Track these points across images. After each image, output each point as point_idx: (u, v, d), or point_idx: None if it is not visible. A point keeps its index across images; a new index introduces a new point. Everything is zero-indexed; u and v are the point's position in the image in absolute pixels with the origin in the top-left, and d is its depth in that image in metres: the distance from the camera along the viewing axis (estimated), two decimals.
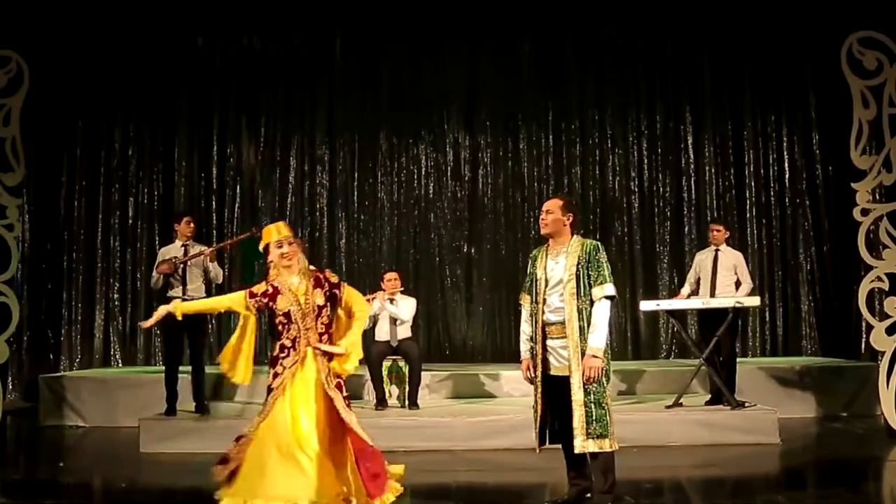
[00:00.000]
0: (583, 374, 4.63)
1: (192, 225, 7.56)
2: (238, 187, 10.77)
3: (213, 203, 10.73)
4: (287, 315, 4.57)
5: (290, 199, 10.77)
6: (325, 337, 4.61)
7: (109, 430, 8.14)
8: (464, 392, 8.56)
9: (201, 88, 10.70)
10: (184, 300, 7.25)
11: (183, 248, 7.49)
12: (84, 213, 10.57)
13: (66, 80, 10.09)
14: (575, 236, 4.89)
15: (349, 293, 4.73)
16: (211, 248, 7.51)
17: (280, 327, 4.60)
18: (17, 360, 9.57)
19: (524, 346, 5.01)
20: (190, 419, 7.24)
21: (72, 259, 10.53)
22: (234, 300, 4.69)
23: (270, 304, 4.59)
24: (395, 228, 10.81)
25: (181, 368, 7.58)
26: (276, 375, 4.56)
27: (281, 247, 4.62)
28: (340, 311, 4.72)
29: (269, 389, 4.57)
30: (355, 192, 10.80)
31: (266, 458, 4.40)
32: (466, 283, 10.74)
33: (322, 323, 4.60)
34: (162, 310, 4.76)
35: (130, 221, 10.64)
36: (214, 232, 10.57)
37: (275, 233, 4.67)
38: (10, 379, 9.01)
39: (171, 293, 7.38)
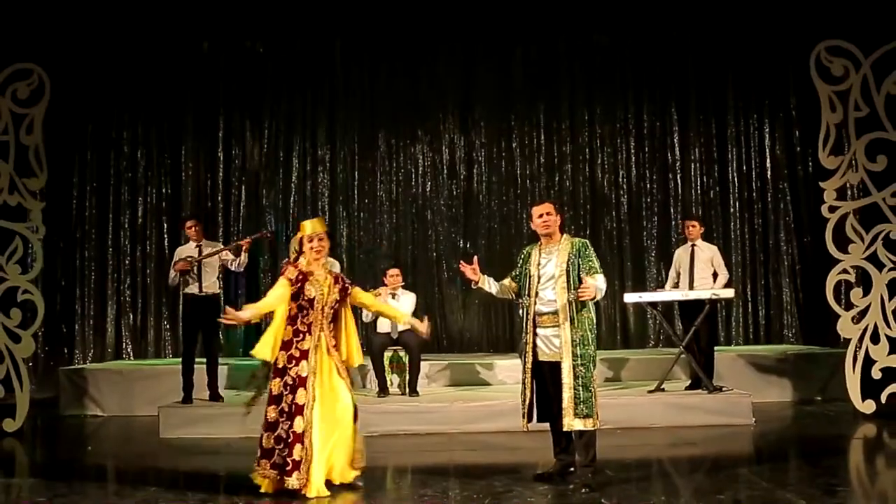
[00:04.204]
0: (578, 295, 5.06)
1: (193, 229, 7.95)
2: (243, 187, 11.18)
3: (220, 202, 11.14)
4: (310, 301, 5.08)
5: (293, 197, 11.20)
6: (330, 325, 5.18)
7: (127, 418, 8.61)
8: (460, 380, 9.00)
9: (207, 92, 11.08)
10: (200, 296, 7.79)
11: (197, 248, 7.92)
12: (95, 212, 11.00)
13: (75, 84, 10.42)
14: (565, 234, 5.41)
15: (357, 291, 5.35)
16: (227, 248, 7.95)
17: (298, 311, 5.09)
18: (33, 353, 9.99)
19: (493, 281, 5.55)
20: (205, 407, 7.69)
21: (84, 257, 10.97)
22: (284, 295, 5.09)
23: (300, 289, 5.08)
24: (393, 225, 11.21)
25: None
26: (292, 358, 5.05)
27: (312, 241, 5.15)
28: (347, 308, 5.30)
29: (281, 370, 5.03)
30: (355, 191, 11.20)
31: (327, 439, 4.99)
32: (462, 277, 11.10)
33: (330, 314, 5.17)
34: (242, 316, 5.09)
35: (140, 220, 11.06)
36: (221, 230, 10.99)
37: (310, 228, 5.20)
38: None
39: (187, 290, 7.85)
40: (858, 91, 7.60)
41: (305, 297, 5.08)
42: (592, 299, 5.14)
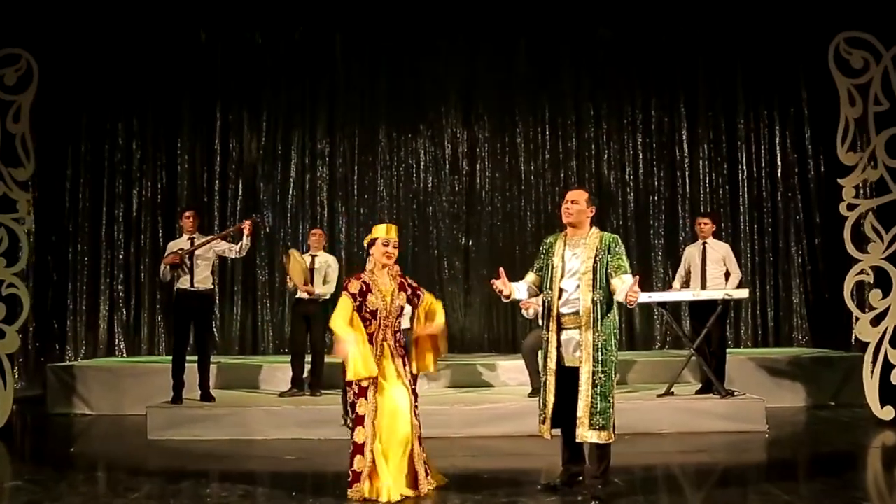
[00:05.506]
0: (628, 300, 4.69)
1: (191, 220, 7.74)
2: (240, 180, 10.94)
3: (216, 196, 10.90)
4: (373, 313, 4.92)
5: (291, 192, 10.95)
6: (398, 335, 5.02)
7: (116, 417, 8.36)
8: (461, 381, 8.74)
9: (204, 83, 10.85)
10: (192, 291, 7.52)
11: (189, 240, 7.67)
12: (88, 205, 10.77)
13: (70, 75, 10.24)
14: (594, 228, 5.04)
15: (429, 298, 5.11)
16: (221, 234, 7.74)
17: (363, 322, 4.91)
18: (23, 349, 9.74)
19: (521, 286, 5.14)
20: (195, 407, 7.43)
21: (77, 251, 10.73)
22: (349, 314, 4.88)
23: (362, 301, 4.90)
24: (394, 221, 10.87)
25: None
26: None
27: (387, 245, 4.97)
28: (420, 313, 5.09)
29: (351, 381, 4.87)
30: (355, 186, 10.97)
31: (389, 451, 4.83)
32: (464, 275, 10.90)
33: (398, 322, 5.01)
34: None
35: (134, 214, 10.83)
36: (217, 224, 10.74)
37: (385, 231, 5.02)
38: (16, 368, 9.21)
39: (178, 285, 7.58)
40: (879, 84, 7.34)
41: (368, 310, 4.93)
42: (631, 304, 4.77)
